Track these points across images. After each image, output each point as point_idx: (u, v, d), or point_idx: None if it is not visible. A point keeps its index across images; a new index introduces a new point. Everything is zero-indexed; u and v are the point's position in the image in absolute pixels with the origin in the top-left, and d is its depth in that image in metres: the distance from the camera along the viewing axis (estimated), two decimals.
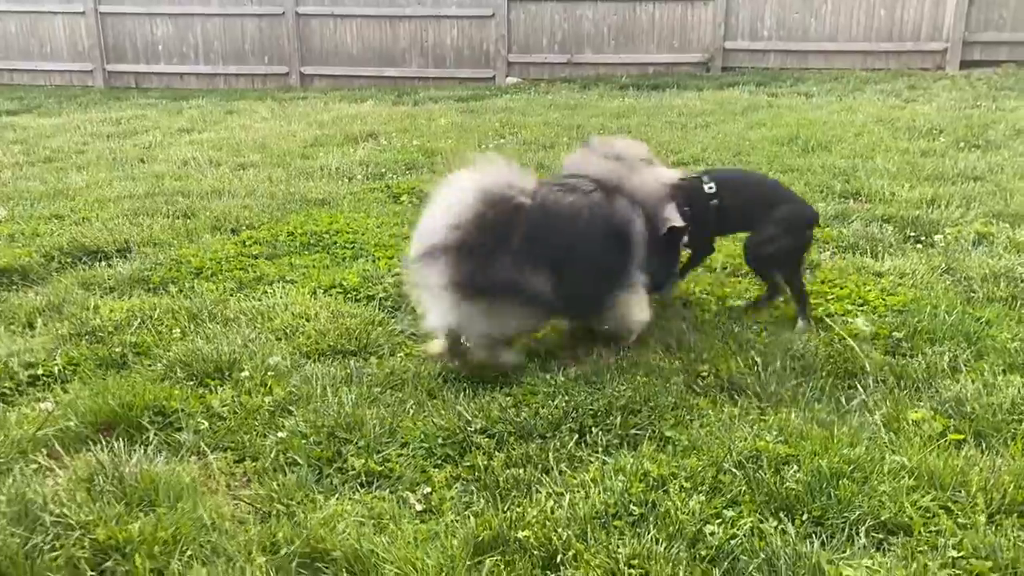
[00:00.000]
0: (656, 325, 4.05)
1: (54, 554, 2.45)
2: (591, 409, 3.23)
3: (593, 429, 3.12)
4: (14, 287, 4.85)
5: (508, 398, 3.35)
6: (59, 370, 3.70)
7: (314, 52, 15.00)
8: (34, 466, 2.93)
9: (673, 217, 3.92)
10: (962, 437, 3.02)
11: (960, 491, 2.69)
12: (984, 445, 2.98)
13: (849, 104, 10.24)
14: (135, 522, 2.56)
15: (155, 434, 3.15)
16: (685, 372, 3.58)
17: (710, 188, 4.09)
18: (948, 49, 12.82)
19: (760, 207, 4.14)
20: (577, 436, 3.09)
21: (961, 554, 2.41)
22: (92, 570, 2.41)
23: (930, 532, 2.52)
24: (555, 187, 3.74)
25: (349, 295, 4.59)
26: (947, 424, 3.09)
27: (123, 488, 2.74)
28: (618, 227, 3.74)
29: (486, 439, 3.07)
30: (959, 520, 2.57)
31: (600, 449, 3.02)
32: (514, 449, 3.00)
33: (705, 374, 3.54)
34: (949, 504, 2.64)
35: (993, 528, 2.53)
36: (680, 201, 3.99)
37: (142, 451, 2.98)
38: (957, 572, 2.36)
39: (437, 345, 3.78)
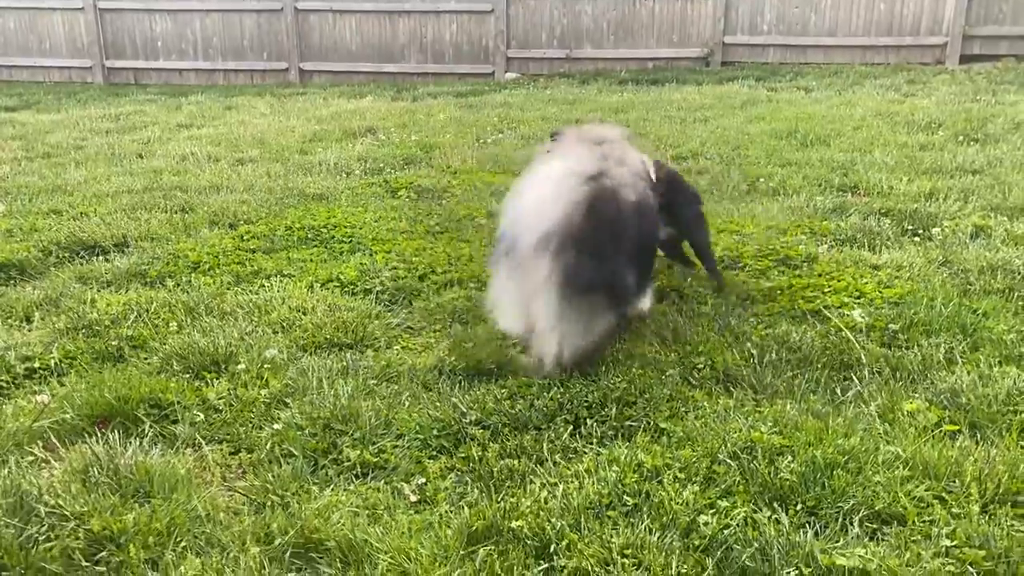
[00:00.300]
0: (653, 317, 4.06)
1: (49, 545, 2.46)
2: (586, 401, 3.24)
3: (588, 420, 3.12)
4: (12, 281, 4.85)
5: (503, 390, 3.35)
6: (56, 363, 3.71)
7: (313, 48, 15.00)
8: (30, 458, 2.94)
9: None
10: (957, 428, 3.01)
11: (954, 481, 2.69)
12: (979, 436, 2.97)
13: (848, 98, 10.23)
14: (130, 513, 2.57)
15: (151, 426, 3.16)
16: (681, 364, 3.58)
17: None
18: (948, 43, 12.81)
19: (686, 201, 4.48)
20: (572, 427, 3.09)
21: (954, 543, 2.41)
22: (86, 561, 2.42)
23: (924, 522, 2.52)
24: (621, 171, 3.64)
25: (346, 289, 4.59)
26: (942, 415, 3.09)
27: (118, 480, 2.75)
28: (653, 207, 3.83)
29: (481, 430, 3.07)
30: (953, 510, 2.57)
31: (595, 440, 3.02)
32: (508, 440, 3.01)
33: (701, 366, 3.54)
34: (943, 494, 2.64)
35: (987, 518, 2.53)
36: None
37: (137, 443, 2.98)
38: (950, 561, 2.36)
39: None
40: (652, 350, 3.71)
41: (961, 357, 3.53)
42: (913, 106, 9.43)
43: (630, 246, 3.51)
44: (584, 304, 3.41)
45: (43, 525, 2.53)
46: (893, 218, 5.49)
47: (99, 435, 3.03)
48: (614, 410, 3.17)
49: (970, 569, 2.32)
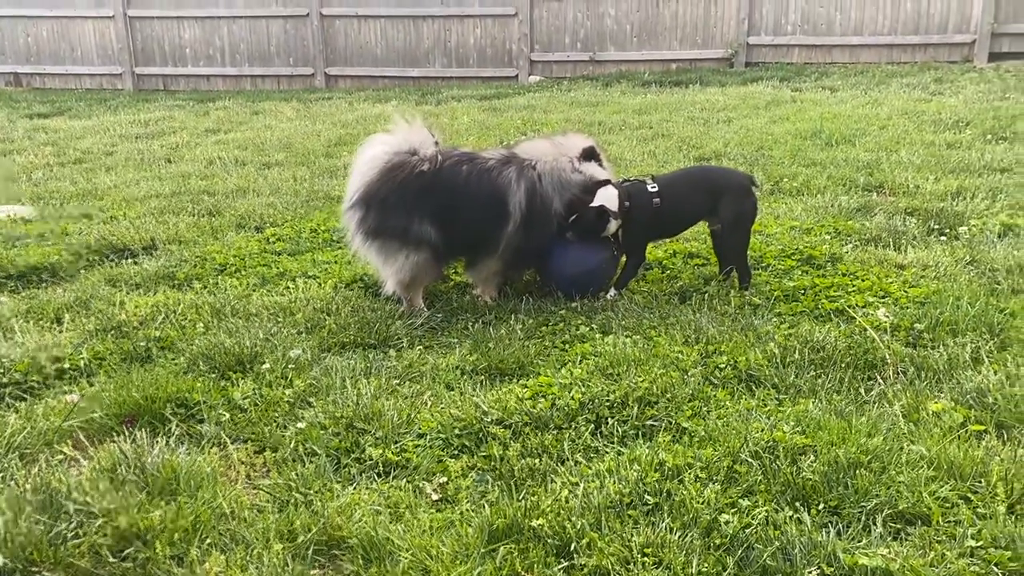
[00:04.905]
0: (675, 317, 4.05)
1: (77, 541, 2.50)
2: (607, 400, 3.24)
3: (609, 420, 3.13)
4: (43, 284, 4.94)
5: (525, 389, 3.36)
6: (85, 364, 3.78)
7: (338, 53, 15.11)
8: (59, 456, 3.00)
9: None
10: (983, 428, 2.98)
11: (980, 481, 2.66)
12: (1006, 436, 2.95)
13: (874, 98, 10.13)
14: (156, 510, 2.61)
15: (177, 425, 3.20)
16: (703, 364, 3.57)
17: None
18: (976, 41, 12.63)
19: None
20: (593, 427, 3.10)
21: (980, 543, 2.39)
22: (113, 557, 2.46)
23: (948, 522, 2.50)
24: None
25: (370, 290, 4.63)
26: (968, 415, 3.06)
27: (145, 478, 2.79)
28: (503, 193, 4.47)
29: (502, 430, 3.08)
30: (979, 510, 2.54)
31: (616, 440, 3.03)
32: (530, 439, 3.02)
33: (723, 366, 3.53)
34: (969, 494, 2.62)
35: (1013, 518, 2.50)
36: None
37: (164, 442, 3.03)
38: (975, 562, 2.34)
39: None
40: (674, 350, 3.71)
41: (988, 357, 3.49)
42: (940, 105, 9.33)
43: (430, 206, 4.24)
44: (376, 245, 4.31)
45: (72, 522, 2.57)
46: (919, 217, 5.43)
47: (127, 434, 3.08)
48: (636, 410, 3.17)
49: (995, 570, 2.30)
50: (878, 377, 3.40)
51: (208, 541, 2.54)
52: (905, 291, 4.20)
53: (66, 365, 3.76)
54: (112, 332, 4.13)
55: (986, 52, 12.58)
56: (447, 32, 14.74)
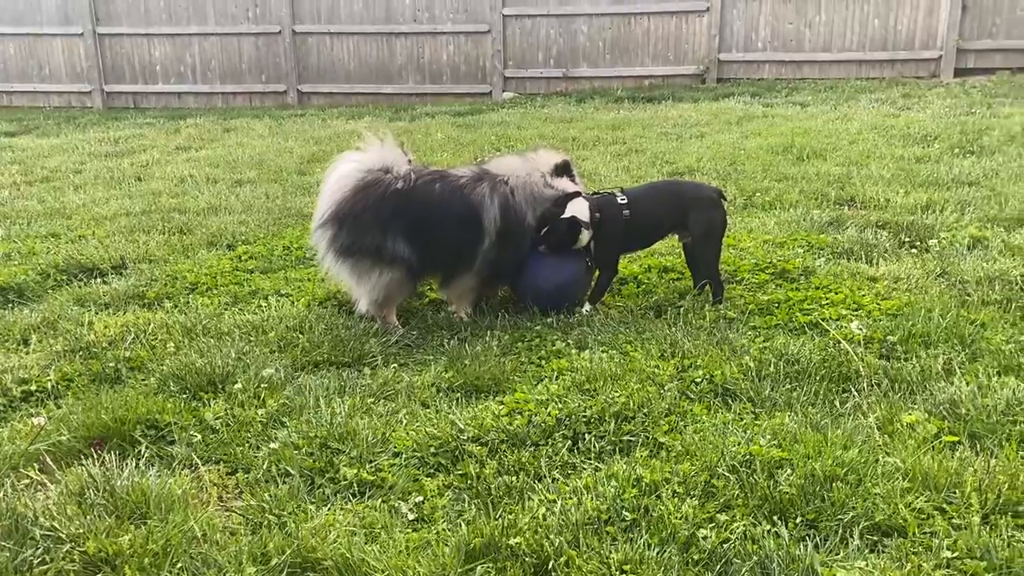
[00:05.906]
0: (651, 332, 4.06)
1: (44, 568, 2.45)
2: (584, 416, 3.22)
3: (586, 436, 3.11)
4: (9, 305, 4.85)
5: (501, 406, 3.34)
6: (52, 385, 3.71)
7: (311, 70, 15.07)
8: (25, 481, 2.93)
9: None
10: (956, 439, 3.00)
11: (954, 492, 2.67)
12: (978, 446, 2.96)
13: (844, 113, 10.27)
14: (125, 535, 2.56)
15: (147, 447, 3.15)
16: (679, 378, 3.57)
17: None
18: (942, 57, 12.86)
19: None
20: (570, 443, 3.08)
21: (955, 554, 2.40)
22: None
23: (924, 533, 2.51)
24: None
25: (343, 307, 4.59)
26: (941, 426, 3.08)
27: (114, 501, 2.74)
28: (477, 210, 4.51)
29: (478, 447, 3.06)
30: (953, 521, 2.55)
31: (593, 456, 3.01)
32: (507, 457, 3.00)
33: (699, 380, 3.53)
34: (944, 505, 2.63)
35: (988, 528, 2.51)
36: None
37: (134, 464, 2.97)
38: (952, 573, 2.35)
39: None
40: (650, 364, 3.70)
41: (960, 368, 3.52)
42: (909, 119, 9.47)
43: (404, 224, 4.23)
44: (349, 264, 4.28)
45: (38, 548, 2.52)
46: (890, 230, 5.49)
47: (95, 457, 3.02)
48: (612, 425, 3.16)
49: None
50: (852, 389, 3.41)
51: (179, 565, 2.48)
52: (878, 304, 4.24)
53: (33, 387, 3.69)
54: (80, 353, 4.05)
55: (952, 68, 12.82)
56: (420, 49, 14.76)
